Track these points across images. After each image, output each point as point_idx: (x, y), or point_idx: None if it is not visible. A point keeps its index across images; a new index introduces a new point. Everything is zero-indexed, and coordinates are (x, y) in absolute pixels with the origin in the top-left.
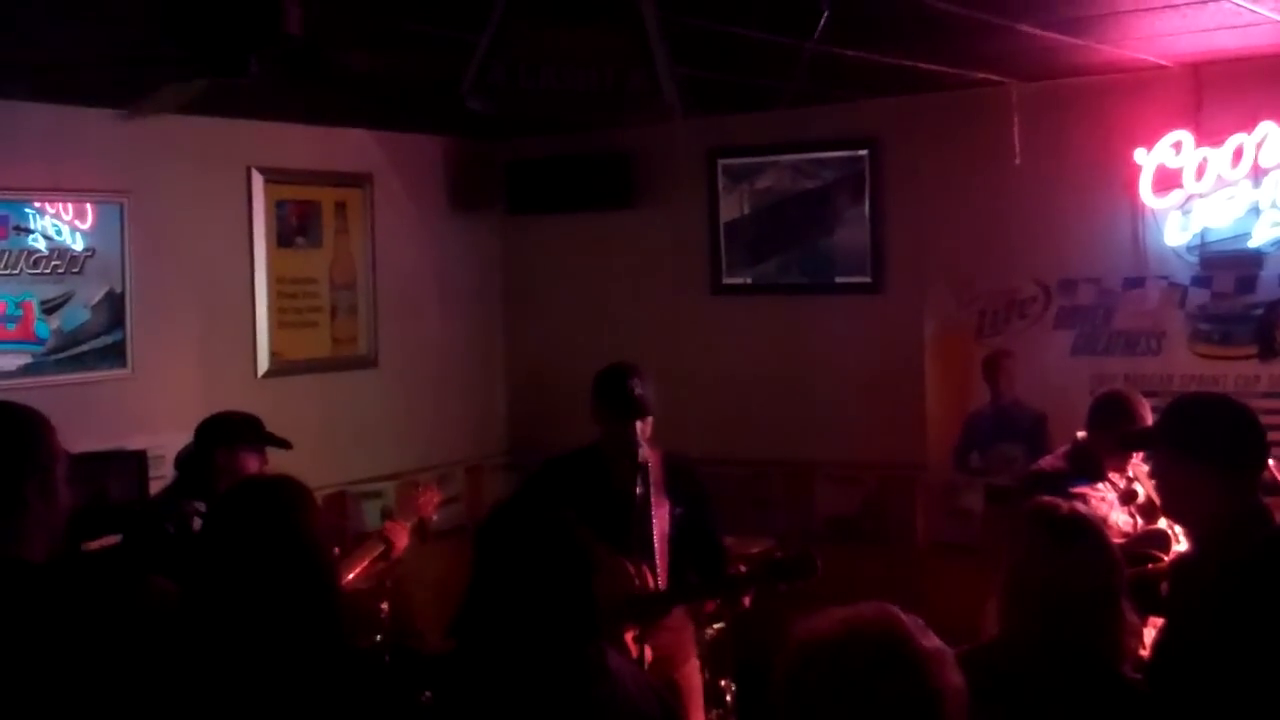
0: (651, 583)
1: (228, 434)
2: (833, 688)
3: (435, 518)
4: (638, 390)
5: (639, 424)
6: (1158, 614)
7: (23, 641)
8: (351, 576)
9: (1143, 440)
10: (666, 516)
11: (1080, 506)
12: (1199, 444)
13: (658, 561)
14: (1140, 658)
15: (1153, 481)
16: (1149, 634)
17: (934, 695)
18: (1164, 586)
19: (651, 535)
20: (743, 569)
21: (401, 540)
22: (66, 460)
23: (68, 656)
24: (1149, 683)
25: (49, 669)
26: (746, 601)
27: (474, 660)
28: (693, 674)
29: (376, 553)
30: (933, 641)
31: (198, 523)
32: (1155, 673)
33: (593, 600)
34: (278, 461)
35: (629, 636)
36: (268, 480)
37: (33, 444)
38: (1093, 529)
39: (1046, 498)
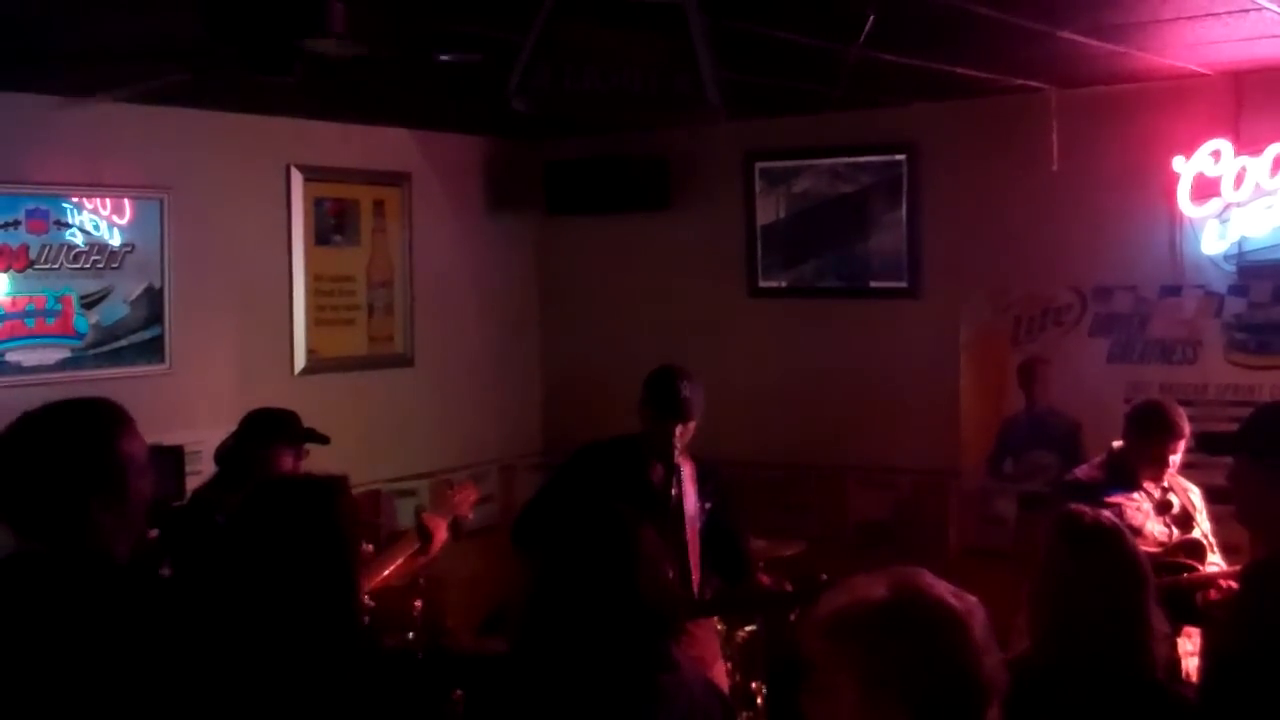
0: (696, 587)
1: (266, 430)
2: (908, 644)
3: (471, 516)
4: (685, 393)
5: (679, 427)
6: (1193, 624)
7: (83, 636)
8: (388, 573)
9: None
10: (698, 516)
11: (1106, 515)
12: None
13: (692, 564)
14: (1172, 665)
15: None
16: (1183, 644)
17: (978, 649)
18: (1199, 597)
19: (685, 538)
20: (789, 586)
21: (440, 533)
22: (145, 455)
23: (128, 654)
24: (1203, 691)
25: (117, 664)
26: (791, 618)
27: (538, 655)
28: (720, 676)
29: (413, 548)
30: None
31: None
32: (1213, 680)
33: (666, 596)
34: (315, 457)
35: None
36: (296, 480)
37: (97, 456)
38: (1114, 538)
39: (1075, 505)
